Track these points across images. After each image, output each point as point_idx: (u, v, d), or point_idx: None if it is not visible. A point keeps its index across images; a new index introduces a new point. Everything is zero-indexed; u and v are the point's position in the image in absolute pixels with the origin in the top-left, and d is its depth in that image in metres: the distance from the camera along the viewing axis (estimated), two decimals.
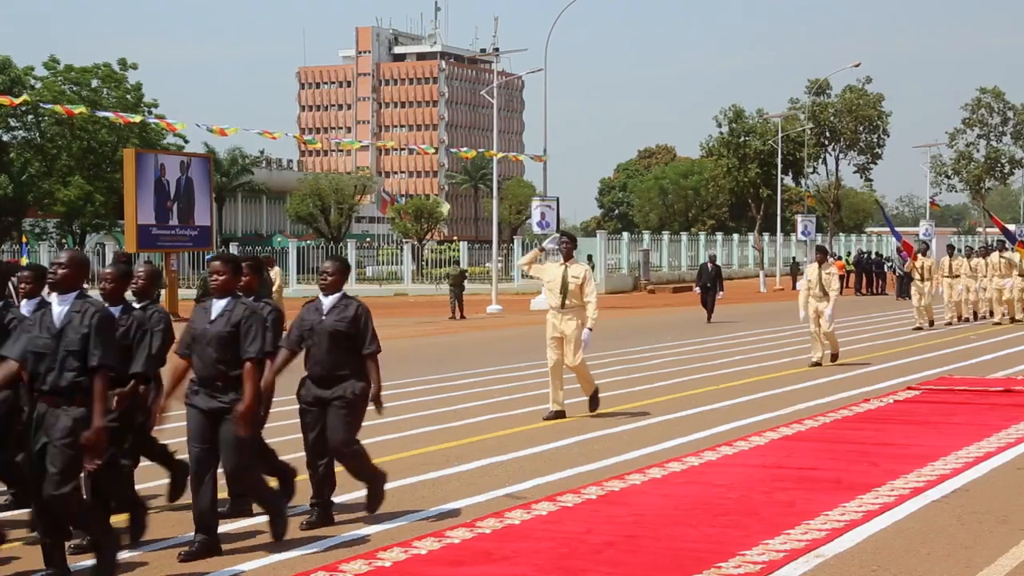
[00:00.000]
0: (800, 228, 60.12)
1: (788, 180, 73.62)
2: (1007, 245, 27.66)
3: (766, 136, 66.26)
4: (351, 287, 64.43)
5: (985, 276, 27.18)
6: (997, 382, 15.56)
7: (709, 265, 32.51)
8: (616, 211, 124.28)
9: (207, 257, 26.80)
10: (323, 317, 8.20)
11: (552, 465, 10.09)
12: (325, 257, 63.32)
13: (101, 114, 38.07)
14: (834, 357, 18.31)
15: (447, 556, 7.09)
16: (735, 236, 78.66)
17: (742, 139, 68.42)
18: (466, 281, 39.02)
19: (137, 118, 32.33)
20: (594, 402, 13.16)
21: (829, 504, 8.26)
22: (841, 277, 50.88)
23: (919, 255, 26.55)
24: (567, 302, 12.72)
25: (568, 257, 12.88)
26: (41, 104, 34.75)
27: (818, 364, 18.05)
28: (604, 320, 35.45)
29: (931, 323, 26.02)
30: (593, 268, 46.13)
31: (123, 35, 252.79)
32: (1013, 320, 26.88)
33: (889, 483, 8.96)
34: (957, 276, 27.31)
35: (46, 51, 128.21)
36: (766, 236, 70.36)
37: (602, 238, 58.30)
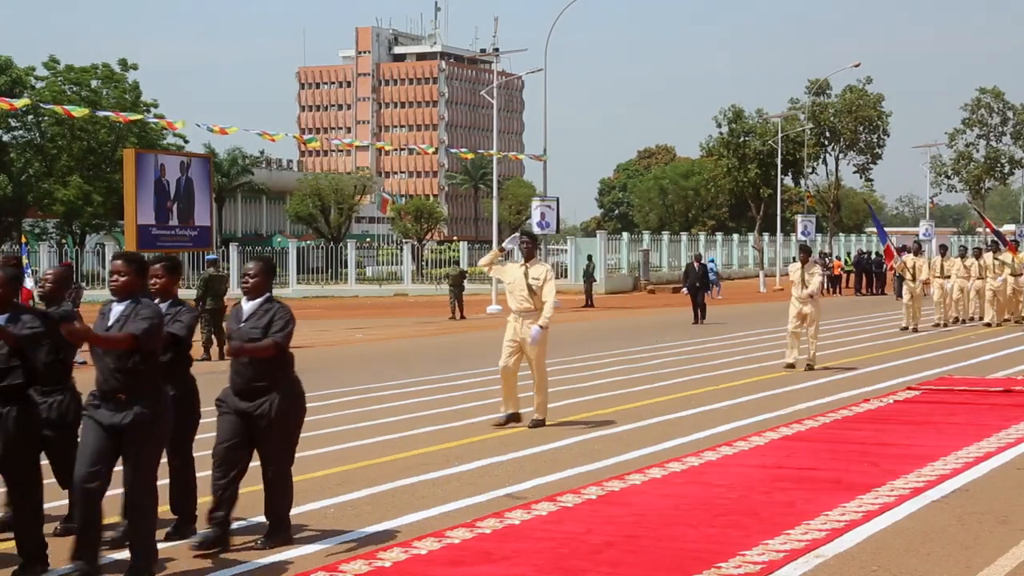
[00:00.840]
0: (800, 228, 60.10)
1: (788, 180, 73.62)
2: (999, 246, 27.21)
3: (766, 136, 66.26)
4: (351, 287, 64.18)
5: (980, 278, 26.75)
6: (997, 382, 15.56)
7: (696, 265, 32.09)
8: (616, 211, 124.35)
9: (208, 258, 26.79)
10: (241, 324, 7.50)
11: (552, 465, 10.09)
12: (325, 257, 63.61)
13: (101, 113, 37.99)
14: (811, 364, 17.75)
15: (447, 556, 7.09)
16: (735, 236, 78.69)
17: (742, 139, 68.43)
18: (466, 281, 39.02)
19: (137, 117, 32.28)
20: (513, 418, 12.48)
21: (829, 504, 8.26)
22: (839, 277, 51.13)
23: (911, 255, 26.30)
24: (529, 305, 12.15)
25: (529, 257, 12.32)
26: (41, 105, 34.71)
27: (792, 367, 17.59)
28: (605, 320, 35.38)
29: (915, 329, 25.20)
30: (594, 268, 46.07)
31: (123, 35, 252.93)
32: (1005, 321, 26.62)
33: (889, 483, 8.96)
34: (948, 277, 26.88)
35: (45, 51, 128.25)
36: (766, 236, 70.37)
37: (602, 238, 58.32)
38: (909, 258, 26.16)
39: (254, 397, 7.37)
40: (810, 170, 72.17)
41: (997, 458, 10.01)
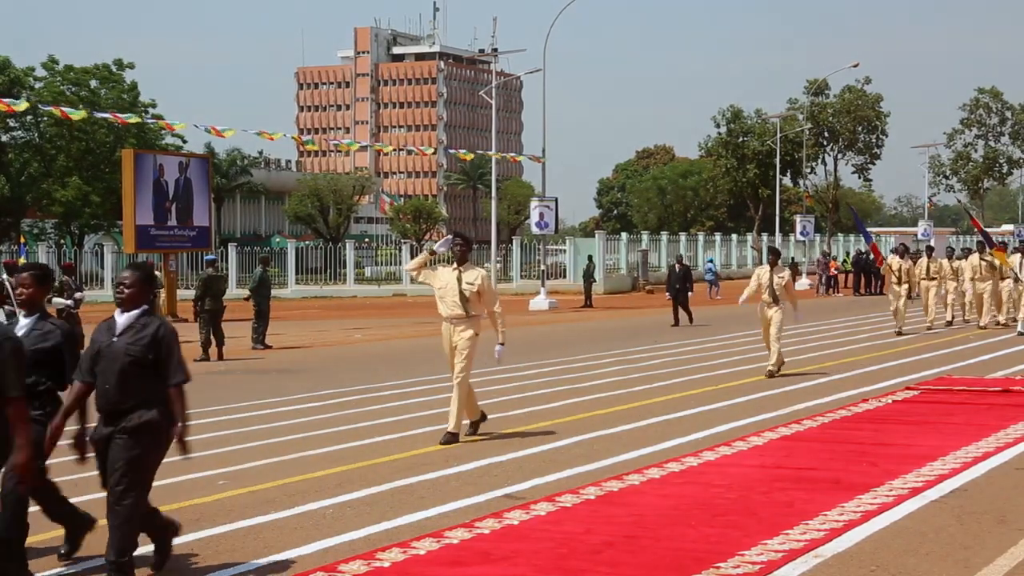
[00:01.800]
0: (799, 228, 60.13)
1: (787, 180, 73.68)
2: (986, 247, 26.28)
3: (764, 136, 66.32)
4: (350, 287, 64.22)
5: (968, 279, 26.11)
6: (996, 382, 15.56)
7: (677, 267, 31.31)
8: (615, 211, 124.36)
9: (206, 258, 26.82)
10: (115, 339, 6.68)
11: (551, 465, 10.09)
12: (324, 257, 63.64)
13: (100, 115, 37.99)
14: (777, 368, 17.02)
15: (446, 556, 7.09)
16: (734, 236, 78.69)
17: (741, 139, 68.51)
18: None
19: (136, 119, 32.30)
20: (475, 425, 11.97)
21: (828, 504, 8.26)
22: (835, 278, 51.13)
23: (896, 257, 25.64)
24: (461, 312, 11.50)
25: (462, 261, 11.63)
26: (40, 106, 34.73)
27: (773, 375, 16.87)
28: (604, 320, 35.34)
29: (899, 333, 24.52)
30: (593, 268, 46.06)
31: (122, 35, 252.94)
32: (998, 324, 25.74)
33: (888, 483, 8.96)
34: (935, 279, 26.43)
35: (44, 51, 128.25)
36: (765, 236, 70.40)
37: (601, 238, 58.32)
38: (895, 260, 25.61)
39: (120, 420, 6.65)
40: (809, 170, 72.23)
41: (996, 458, 10.01)
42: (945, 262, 26.89)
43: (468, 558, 7.04)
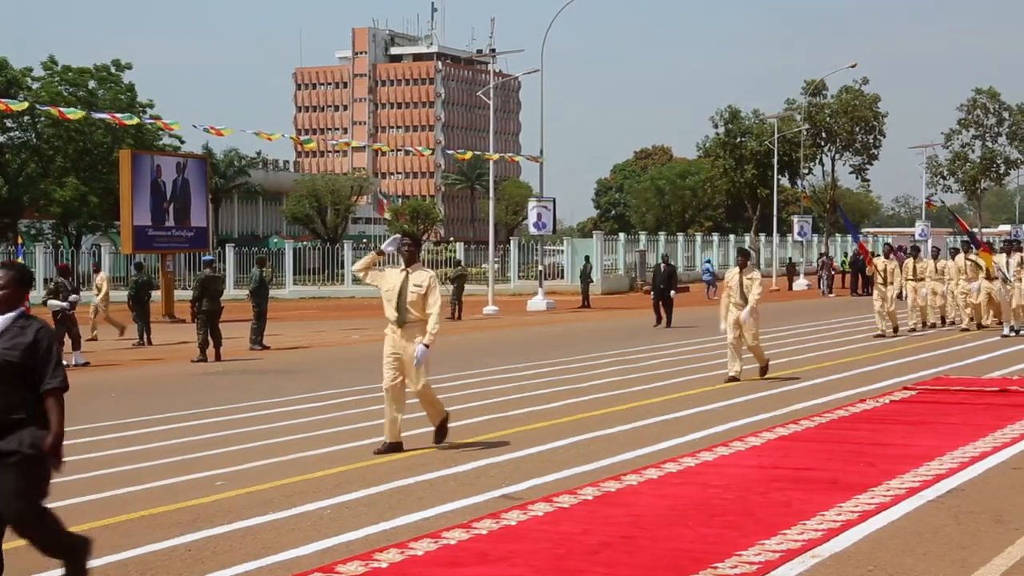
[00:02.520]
0: (796, 229, 60.16)
1: (784, 181, 73.73)
2: (972, 248, 25.53)
3: (762, 137, 66.37)
4: (348, 287, 64.51)
5: (952, 279, 25.53)
6: (993, 382, 15.56)
7: (663, 266, 31.00)
8: (613, 212, 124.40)
9: (204, 258, 26.81)
10: None
11: (548, 466, 10.09)
12: (322, 258, 63.72)
13: (97, 115, 37.96)
14: (763, 371, 16.66)
15: (443, 557, 7.09)
16: (731, 237, 78.71)
17: (738, 140, 68.57)
18: (464, 283, 38.98)
19: (134, 120, 32.29)
20: (441, 432, 11.31)
21: (825, 504, 8.26)
22: (832, 278, 51.16)
23: (882, 257, 25.21)
24: (409, 316, 10.96)
25: (411, 262, 11.11)
26: (38, 107, 34.74)
27: (735, 379, 16.10)
28: (602, 321, 35.29)
29: (895, 329, 24.48)
30: (591, 269, 46.07)
31: (120, 36, 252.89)
32: (980, 326, 25.10)
33: (885, 483, 8.96)
34: (921, 279, 25.75)
35: (42, 51, 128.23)
36: (762, 237, 70.44)
37: (599, 239, 58.35)
38: (880, 261, 25.00)
39: (3, 434, 5.99)
40: (806, 170, 72.27)
41: (993, 458, 10.02)
42: (931, 262, 26.29)
43: (466, 559, 7.04)
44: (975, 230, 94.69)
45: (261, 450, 11.43)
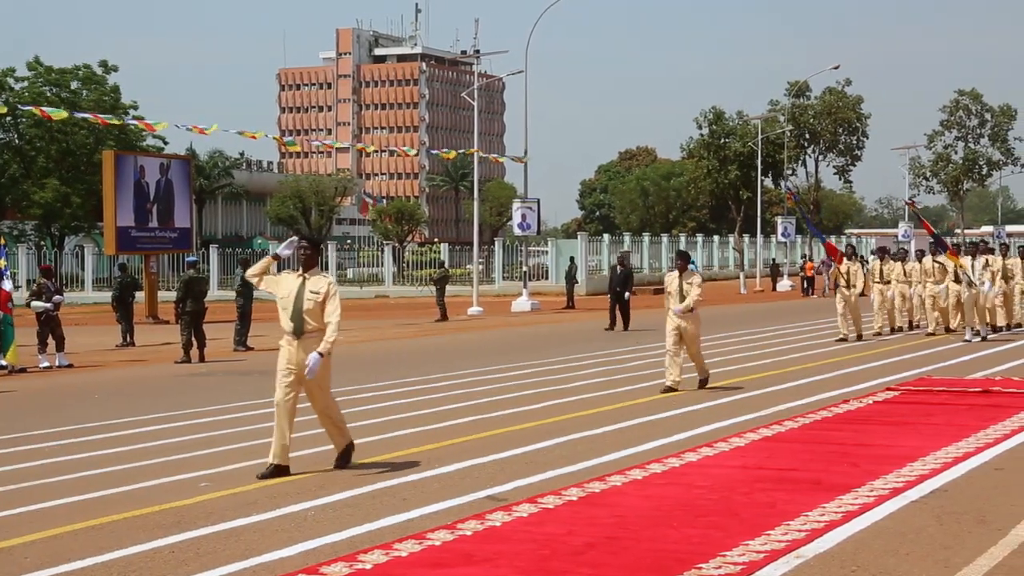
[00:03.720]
0: (780, 230, 60.30)
1: (768, 182, 73.91)
2: (938, 250, 24.31)
3: (746, 138, 66.49)
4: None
5: (920, 282, 24.63)
6: (976, 383, 15.62)
7: (619, 268, 30.04)
8: (597, 213, 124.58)
9: (188, 259, 26.74)
10: None
11: (533, 467, 10.09)
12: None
13: (80, 115, 37.82)
14: (703, 382, 15.65)
15: (428, 558, 7.08)
16: (715, 238, 78.93)
17: (722, 141, 68.66)
18: (447, 284, 38.98)
19: (117, 121, 32.16)
20: (344, 457, 10.33)
21: (809, 505, 8.28)
22: (813, 279, 51.21)
23: (844, 258, 24.49)
24: (306, 325, 10.04)
25: (308, 267, 10.23)
26: (20, 107, 34.60)
27: (673, 389, 15.25)
28: (586, 321, 35.28)
29: (859, 336, 23.68)
30: (575, 270, 46.09)
31: (103, 36, 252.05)
32: (948, 330, 24.04)
33: (869, 484, 8.99)
34: (888, 282, 24.86)
35: (27, 52, 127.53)
36: (746, 238, 70.59)
37: (583, 240, 58.40)
38: (842, 263, 24.25)
39: None
40: (790, 172, 72.44)
41: (976, 458, 10.05)
42: (898, 265, 25.25)
43: (450, 560, 7.04)
44: (957, 231, 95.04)
45: (244, 451, 11.40)
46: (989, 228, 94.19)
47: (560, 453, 10.80)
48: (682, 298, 15.52)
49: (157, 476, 10.17)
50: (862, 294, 24.50)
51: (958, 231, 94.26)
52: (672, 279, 15.90)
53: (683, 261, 16.13)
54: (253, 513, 8.50)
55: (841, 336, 23.54)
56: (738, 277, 59.52)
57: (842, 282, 23.78)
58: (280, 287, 10.28)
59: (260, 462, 10.71)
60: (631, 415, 13.23)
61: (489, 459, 10.55)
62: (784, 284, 57.08)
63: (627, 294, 29.06)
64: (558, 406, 14.21)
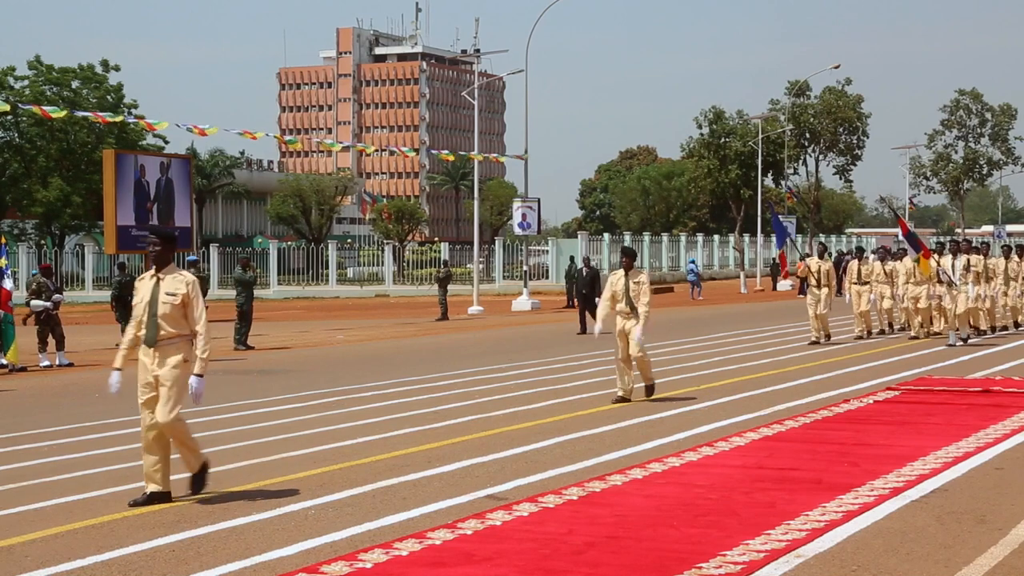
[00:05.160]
0: None
1: (768, 181, 73.91)
2: (908, 251, 23.33)
3: (746, 137, 66.47)
4: (332, 288, 64.51)
5: (907, 283, 23.12)
6: (976, 382, 15.62)
7: (584, 269, 28.93)
8: (597, 212, 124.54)
9: (188, 259, 26.74)
10: None
11: (533, 466, 10.09)
12: (306, 258, 63.64)
13: (80, 114, 37.84)
14: (649, 390, 14.52)
15: (428, 557, 7.08)
16: (716, 237, 78.91)
17: (722, 140, 68.63)
18: (449, 283, 38.99)
19: (117, 118, 32.15)
20: (199, 481, 9.10)
21: (809, 504, 8.28)
22: (804, 280, 51.16)
23: (815, 257, 23.37)
24: (161, 332, 8.79)
25: (162, 265, 8.95)
26: (20, 106, 34.58)
27: (624, 400, 14.18)
28: (587, 321, 35.37)
29: (828, 336, 22.83)
30: (576, 269, 46.00)
31: (104, 37, 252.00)
32: (929, 334, 23.23)
33: (869, 483, 8.99)
34: (867, 283, 23.78)
35: (28, 52, 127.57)
36: (746, 237, 70.60)
37: (583, 239, 58.39)
38: (813, 262, 23.16)
39: None
40: (790, 171, 72.43)
41: (976, 458, 10.05)
42: (877, 264, 24.03)
43: (450, 559, 7.04)
44: (958, 230, 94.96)
45: (245, 450, 11.40)
46: (990, 228, 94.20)
47: (560, 452, 10.80)
48: (628, 300, 14.23)
49: None
50: (839, 293, 23.77)
51: (959, 230, 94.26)
52: (618, 279, 14.45)
53: (628, 259, 14.51)
54: (253, 512, 8.50)
55: (814, 339, 22.70)
56: (738, 276, 59.52)
57: (812, 281, 22.91)
58: (136, 290, 9.07)
59: (260, 461, 10.72)
60: (631, 415, 13.23)
61: (489, 458, 10.56)
62: (784, 284, 57.09)
63: (597, 298, 28.49)
64: (558, 405, 14.21)
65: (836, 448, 10.63)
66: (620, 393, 14.28)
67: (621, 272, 14.44)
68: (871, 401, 13.89)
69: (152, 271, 8.99)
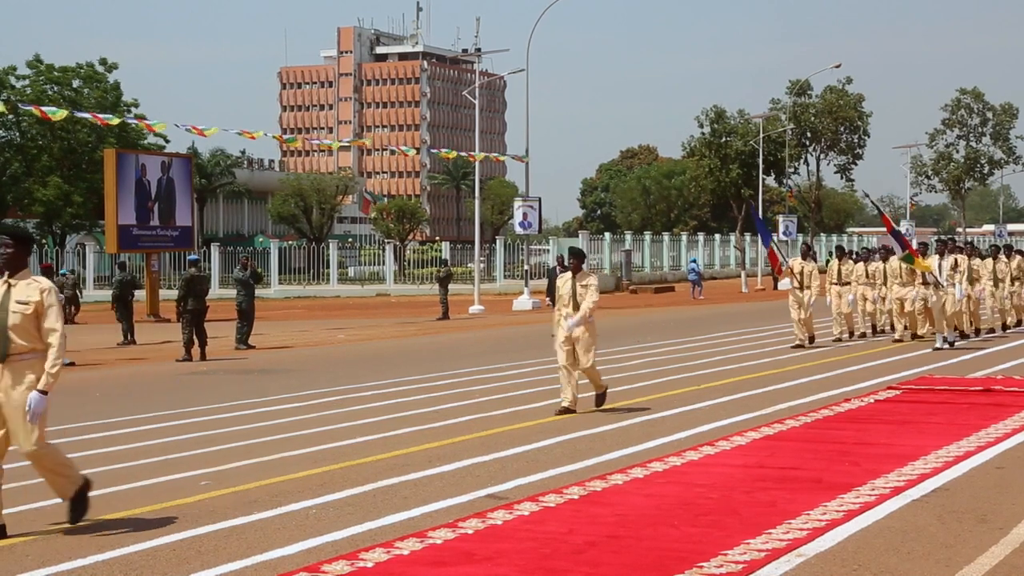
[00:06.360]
0: (782, 228, 60.25)
1: (770, 181, 73.92)
2: (892, 251, 22.72)
3: (747, 137, 66.46)
4: (333, 287, 64.57)
5: (885, 284, 22.62)
6: (976, 382, 15.61)
7: (557, 269, 27.05)
8: (598, 211, 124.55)
9: (189, 258, 26.73)
10: None
11: (534, 465, 10.09)
12: (307, 258, 63.67)
13: (80, 115, 37.83)
14: (600, 399, 13.67)
15: (429, 557, 7.08)
16: (717, 236, 78.88)
17: (724, 140, 68.62)
18: (450, 283, 38.98)
19: (117, 120, 32.15)
20: (78, 507, 8.13)
21: (810, 504, 8.28)
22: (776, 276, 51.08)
23: (798, 258, 22.63)
24: (12, 346, 7.73)
25: (15, 270, 7.85)
26: (20, 106, 34.57)
27: (569, 411, 13.20)
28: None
29: (811, 339, 22.06)
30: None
31: (105, 36, 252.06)
32: (915, 336, 22.40)
33: (870, 482, 8.99)
34: (847, 283, 23.15)
35: (28, 52, 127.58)
36: (748, 236, 70.59)
37: (584, 238, 58.41)
38: (796, 263, 22.42)
39: None
40: (792, 170, 72.45)
41: (977, 457, 10.05)
42: (860, 265, 23.39)
43: (451, 558, 7.04)
44: (959, 229, 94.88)
45: (246, 450, 11.40)
46: (991, 227, 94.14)
47: (561, 451, 10.80)
48: (575, 304, 13.33)
49: (158, 475, 10.17)
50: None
51: (960, 230, 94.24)
52: (564, 281, 13.56)
53: (577, 260, 13.53)
54: (254, 511, 8.50)
55: (797, 343, 21.88)
56: (739, 276, 59.52)
57: (795, 283, 22.18)
58: None
59: (261, 461, 10.72)
60: (631, 414, 13.22)
61: (490, 457, 10.55)
62: (784, 283, 57.06)
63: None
64: (558, 404, 14.19)
65: (837, 447, 10.63)
66: (564, 404, 13.26)
67: (568, 275, 13.56)
68: (872, 400, 13.89)
69: (4, 277, 7.83)
